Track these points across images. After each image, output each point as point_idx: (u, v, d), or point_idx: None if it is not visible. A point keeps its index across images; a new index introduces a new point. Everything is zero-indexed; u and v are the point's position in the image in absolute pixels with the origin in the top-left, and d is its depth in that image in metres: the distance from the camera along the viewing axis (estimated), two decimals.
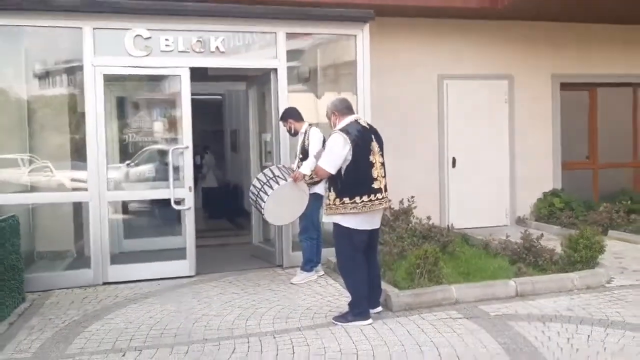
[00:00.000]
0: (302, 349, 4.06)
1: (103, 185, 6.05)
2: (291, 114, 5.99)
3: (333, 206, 4.49)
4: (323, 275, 6.09)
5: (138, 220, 7.52)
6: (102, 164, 6.03)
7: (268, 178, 5.64)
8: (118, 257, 6.50)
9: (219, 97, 12.91)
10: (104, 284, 6.03)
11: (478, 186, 8.74)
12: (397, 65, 8.32)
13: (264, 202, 5.51)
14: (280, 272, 6.41)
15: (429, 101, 8.60)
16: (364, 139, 4.48)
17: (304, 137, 5.86)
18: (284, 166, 5.99)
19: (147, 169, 7.07)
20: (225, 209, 11.11)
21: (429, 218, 7.13)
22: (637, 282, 5.51)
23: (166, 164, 6.41)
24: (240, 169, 11.20)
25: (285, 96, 6.55)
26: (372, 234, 4.64)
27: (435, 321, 4.57)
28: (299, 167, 5.78)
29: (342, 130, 4.49)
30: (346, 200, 4.43)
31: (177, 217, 7.16)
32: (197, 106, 6.79)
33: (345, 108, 4.67)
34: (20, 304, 5.27)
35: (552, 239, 7.14)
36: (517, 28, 8.77)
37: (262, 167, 7.63)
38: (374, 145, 4.52)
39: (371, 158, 4.47)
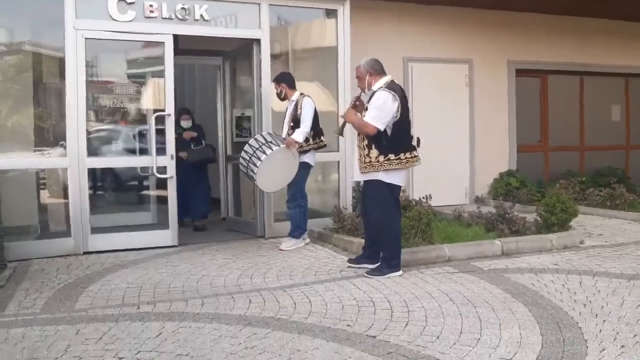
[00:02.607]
0: (317, 299, 4.14)
1: (83, 150, 5.86)
2: (286, 78, 6.03)
3: (376, 163, 4.61)
4: (309, 242, 6.17)
5: (112, 194, 7.30)
6: (82, 129, 5.84)
7: (261, 144, 5.66)
8: (96, 228, 6.28)
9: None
10: (85, 253, 5.83)
11: (440, 166, 9.03)
12: (366, 49, 8.45)
13: (257, 167, 5.53)
14: (264, 241, 6.43)
15: None
16: (404, 98, 4.66)
17: (296, 106, 5.91)
18: (274, 133, 6.02)
19: (128, 136, 6.88)
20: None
21: (404, 191, 7.33)
22: (605, 243, 5.96)
23: (144, 133, 6.35)
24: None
25: (267, 66, 6.55)
26: None
27: (435, 275, 4.77)
28: (288, 135, 5.85)
29: (387, 87, 4.61)
30: (391, 156, 4.60)
31: (148, 189, 7.12)
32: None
33: (381, 68, 4.79)
34: (3, 270, 5.03)
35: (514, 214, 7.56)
36: (476, 14, 9.17)
37: (234, 144, 7.64)
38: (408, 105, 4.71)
39: (409, 117, 4.66)
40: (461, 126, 9.32)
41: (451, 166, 9.22)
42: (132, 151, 6.89)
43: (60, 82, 5.98)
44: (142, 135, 6.77)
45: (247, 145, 5.78)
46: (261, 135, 5.83)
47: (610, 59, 10.12)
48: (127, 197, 7.31)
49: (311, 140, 5.95)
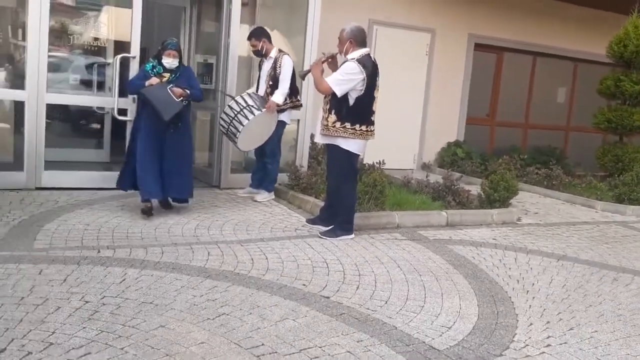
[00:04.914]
0: (273, 256, 4.34)
1: (43, 83, 5.69)
2: (266, 33, 5.98)
3: (332, 128, 4.75)
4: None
5: (67, 129, 7.16)
6: (43, 60, 5.64)
7: (242, 107, 5.67)
8: (50, 163, 6.20)
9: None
10: (37, 189, 5.78)
11: (393, 131, 9.30)
12: (334, 6, 8.46)
13: (239, 132, 5.60)
14: (219, 191, 6.54)
15: None
16: (374, 75, 4.76)
17: (274, 64, 5.91)
18: (254, 93, 5.97)
19: (85, 68, 6.72)
20: None
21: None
22: (540, 221, 6.42)
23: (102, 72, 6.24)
24: None
25: (238, 15, 6.44)
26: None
27: (384, 240, 5.06)
28: (267, 94, 5.90)
29: (359, 61, 4.70)
30: (347, 125, 4.74)
31: (103, 126, 7.05)
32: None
33: (363, 40, 4.85)
34: None
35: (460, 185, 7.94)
36: None
37: None
38: (378, 82, 4.82)
39: (375, 93, 4.78)
40: (417, 93, 9.57)
41: (403, 131, 9.50)
42: (89, 84, 6.76)
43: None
44: (101, 67, 6.66)
45: (227, 106, 5.78)
46: (242, 97, 5.78)
47: (563, 43, 10.54)
48: (82, 134, 7.18)
49: (287, 99, 6.01)
